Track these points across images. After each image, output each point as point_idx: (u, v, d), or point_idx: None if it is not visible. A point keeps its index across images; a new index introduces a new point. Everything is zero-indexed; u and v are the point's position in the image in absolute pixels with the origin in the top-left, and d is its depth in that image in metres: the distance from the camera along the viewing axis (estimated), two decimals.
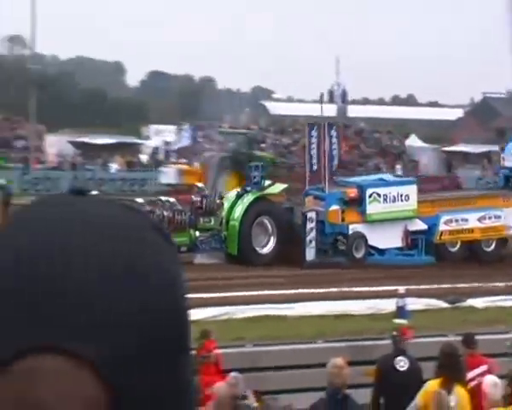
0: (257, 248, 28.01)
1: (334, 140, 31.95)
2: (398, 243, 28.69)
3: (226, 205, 28.52)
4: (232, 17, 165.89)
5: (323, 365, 9.64)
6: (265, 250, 28.17)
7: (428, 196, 30.85)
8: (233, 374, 10.08)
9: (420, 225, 28.95)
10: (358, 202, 28.72)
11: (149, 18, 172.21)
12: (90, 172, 50.94)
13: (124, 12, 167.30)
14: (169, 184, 33.75)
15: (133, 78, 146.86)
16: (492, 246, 29.68)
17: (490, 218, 29.57)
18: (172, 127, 66.68)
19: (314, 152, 31.13)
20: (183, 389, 0.85)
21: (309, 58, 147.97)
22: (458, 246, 29.23)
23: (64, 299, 0.79)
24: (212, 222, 28.24)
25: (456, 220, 29.13)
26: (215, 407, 7.95)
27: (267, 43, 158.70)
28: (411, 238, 28.73)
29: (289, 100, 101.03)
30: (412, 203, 29.01)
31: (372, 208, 28.66)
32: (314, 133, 31.40)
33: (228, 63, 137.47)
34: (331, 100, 70.80)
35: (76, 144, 61.16)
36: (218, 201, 28.88)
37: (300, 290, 22.40)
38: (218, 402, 7.98)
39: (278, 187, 29.97)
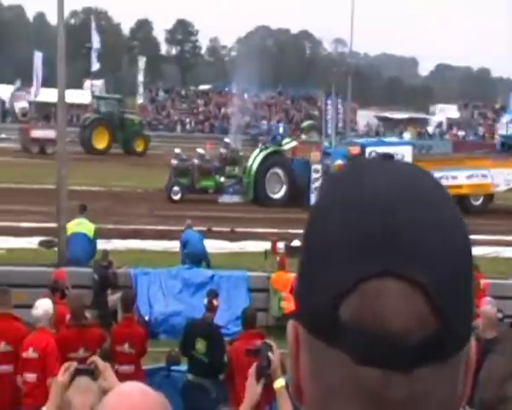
0: (270, 194, 26.30)
1: (340, 107, 29.73)
2: None
3: (252, 157, 26.97)
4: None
5: None
6: (277, 196, 26.42)
7: (423, 157, 27.69)
8: (488, 298, 9.67)
9: None
10: None
11: (431, 17, 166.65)
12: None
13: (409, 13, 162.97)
14: None
15: (424, 69, 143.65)
16: (480, 201, 26.46)
17: (477, 176, 26.33)
18: (453, 106, 65.22)
19: (329, 118, 29.25)
20: (472, 309, 0.85)
21: None
22: None
23: (401, 237, 0.80)
24: (236, 170, 26.79)
25: (446, 178, 25.76)
26: (483, 323, 7.76)
27: None
28: None
29: None
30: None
31: None
32: (329, 102, 29.58)
33: (502, 55, 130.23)
34: None
35: (379, 118, 61.45)
36: (241, 153, 27.43)
37: None
38: (485, 319, 7.79)
39: (291, 144, 27.96)
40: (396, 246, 0.80)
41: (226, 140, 29.05)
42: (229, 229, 20.70)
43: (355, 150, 27.09)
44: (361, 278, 0.80)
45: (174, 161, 26.44)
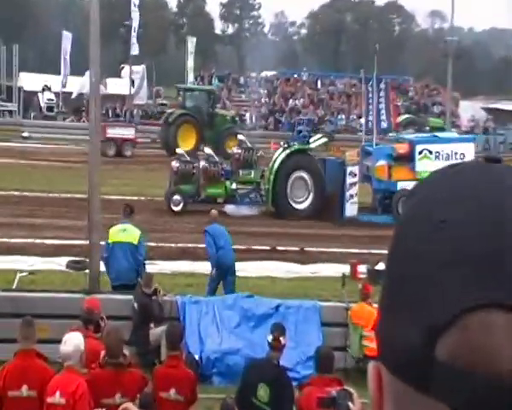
0: (293, 204, 25.46)
1: (382, 94, 28.79)
2: None
3: (273, 157, 26.19)
4: None
5: None
6: (302, 206, 25.55)
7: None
8: None
9: None
10: (408, 159, 25.61)
11: None
12: (501, 136, 50.77)
13: None
14: None
15: None
16: None
17: None
18: None
19: (371, 107, 28.54)
20: None
21: None
22: None
23: (509, 258, 0.80)
24: (253, 175, 26.03)
25: None
26: None
27: None
28: None
29: None
30: None
31: (422, 166, 25.24)
32: (369, 88, 28.82)
33: None
34: None
35: (488, 110, 60.56)
36: (258, 153, 26.58)
37: None
38: None
39: (320, 141, 26.95)
40: (503, 270, 0.80)
41: (240, 137, 28.57)
42: (297, 248, 20.73)
43: (402, 148, 26.55)
44: (462, 310, 0.80)
45: (175, 164, 25.95)
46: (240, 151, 26.59)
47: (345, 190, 25.14)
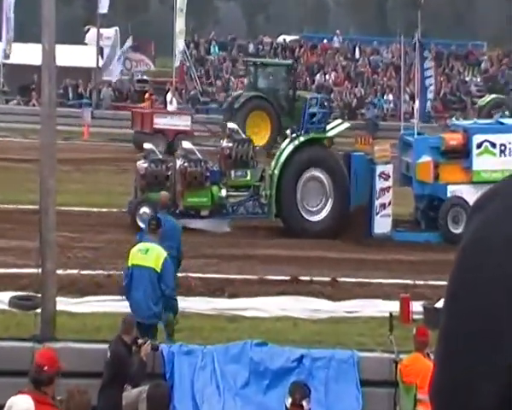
0: (304, 214, 25.34)
1: (428, 65, 28.73)
2: None
3: (278, 152, 26.29)
4: None
5: None
6: (318, 217, 25.43)
7: None
8: None
9: None
10: (462, 154, 25.57)
11: None
12: None
13: None
14: None
15: None
16: None
17: None
18: None
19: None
20: None
21: None
22: None
23: None
24: (249, 176, 26.03)
25: None
26: None
27: None
28: None
29: None
30: None
31: (482, 163, 25.21)
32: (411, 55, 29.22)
33: None
34: None
35: None
36: (257, 147, 26.61)
37: None
38: None
39: (340, 127, 26.97)
40: None
41: (231, 125, 28.57)
42: (327, 278, 20.74)
43: (454, 139, 26.31)
44: None
45: (142, 164, 25.66)
46: (231, 145, 26.47)
47: (373, 199, 25.02)
